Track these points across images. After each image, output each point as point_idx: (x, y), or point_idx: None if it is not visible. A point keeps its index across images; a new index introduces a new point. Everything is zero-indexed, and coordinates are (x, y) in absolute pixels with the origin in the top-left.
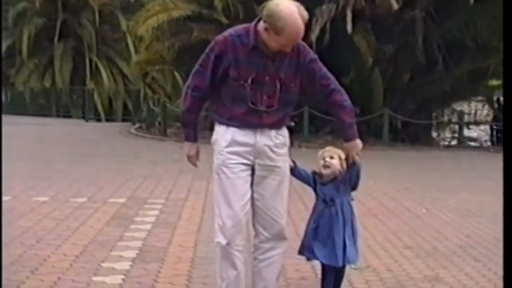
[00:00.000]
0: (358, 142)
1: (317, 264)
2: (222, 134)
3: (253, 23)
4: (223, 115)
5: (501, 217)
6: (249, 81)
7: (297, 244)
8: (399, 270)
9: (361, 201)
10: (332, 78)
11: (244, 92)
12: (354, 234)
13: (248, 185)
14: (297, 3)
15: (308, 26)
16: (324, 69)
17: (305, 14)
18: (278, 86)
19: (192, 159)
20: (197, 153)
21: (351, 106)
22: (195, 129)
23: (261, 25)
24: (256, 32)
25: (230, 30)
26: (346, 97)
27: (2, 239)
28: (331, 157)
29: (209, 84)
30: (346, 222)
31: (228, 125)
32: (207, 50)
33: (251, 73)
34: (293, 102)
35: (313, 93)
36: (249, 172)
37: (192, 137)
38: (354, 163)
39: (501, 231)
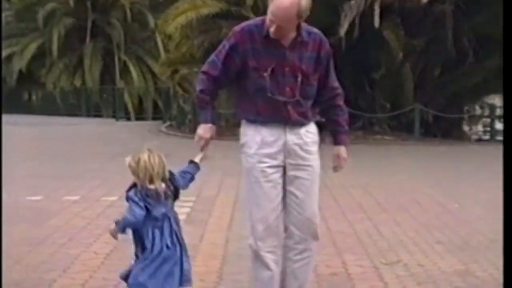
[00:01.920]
0: (345, 150)
1: (348, 259)
2: (252, 136)
3: None
4: (249, 110)
5: None
6: (269, 71)
7: (327, 240)
8: (430, 264)
9: (392, 196)
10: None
11: (264, 82)
12: None
13: (279, 187)
14: None
15: (335, 19)
16: (333, 71)
17: (304, 4)
18: (300, 77)
19: (203, 142)
20: (211, 137)
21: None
22: (211, 111)
23: None
24: None
25: (249, 21)
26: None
27: (2, 239)
28: None
29: (220, 73)
30: None
31: (255, 123)
32: (224, 40)
33: (270, 63)
34: (313, 96)
35: (321, 90)
36: (280, 174)
37: (208, 119)
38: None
39: None
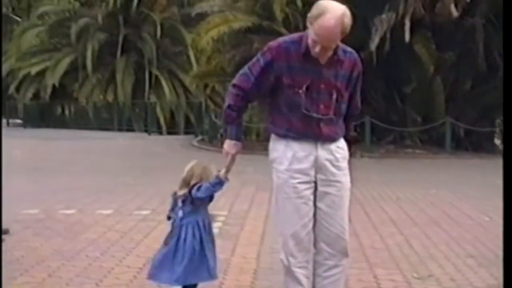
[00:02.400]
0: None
1: (379, 274)
2: (283, 152)
3: (307, 31)
4: (281, 125)
5: None
6: (304, 88)
7: (359, 254)
8: (462, 279)
9: (423, 210)
10: (360, 104)
11: (299, 99)
12: None
13: (310, 203)
14: (345, 9)
15: (366, 34)
16: (359, 90)
17: (347, 21)
18: (335, 95)
19: (229, 158)
20: (237, 153)
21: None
22: (237, 128)
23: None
24: (307, 38)
25: (285, 37)
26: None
27: (2, 240)
28: None
29: (252, 87)
30: None
31: (287, 138)
32: (258, 54)
33: (306, 80)
34: (344, 113)
35: (347, 108)
36: (311, 190)
37: (233, 135)
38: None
39: None
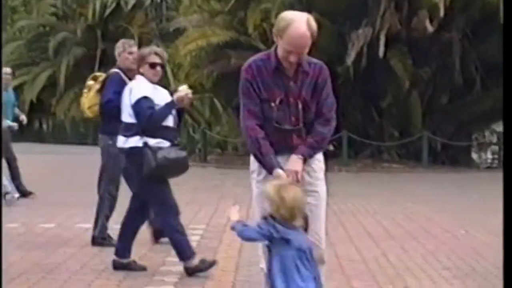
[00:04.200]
0: (296, 159)
1: (356, 285)
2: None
3: (273, 47)
4: None
5: None
6: (277, 101)
7: (336, 266)
8: None
9: (400, 223)
10: (331, 106)
11: (271, 113)
12: None
13: None
14: (309, 15)
15: (342, 49)
16: (331, 96)
17: (314, 24)
18: (300, 106)
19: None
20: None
21: (325, 135)
22: (274, 156)
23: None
24: (276, 54)
25: (253, 57)
26: (327, 129)
27: (2, 242)
28: None
29: (260, 112)
30: None
31: None
32: (242, 83)
33: (278, 93)
34: (313, 122)
35: (316, 115)
36: None
37: (275, 164)
38: None
39: None
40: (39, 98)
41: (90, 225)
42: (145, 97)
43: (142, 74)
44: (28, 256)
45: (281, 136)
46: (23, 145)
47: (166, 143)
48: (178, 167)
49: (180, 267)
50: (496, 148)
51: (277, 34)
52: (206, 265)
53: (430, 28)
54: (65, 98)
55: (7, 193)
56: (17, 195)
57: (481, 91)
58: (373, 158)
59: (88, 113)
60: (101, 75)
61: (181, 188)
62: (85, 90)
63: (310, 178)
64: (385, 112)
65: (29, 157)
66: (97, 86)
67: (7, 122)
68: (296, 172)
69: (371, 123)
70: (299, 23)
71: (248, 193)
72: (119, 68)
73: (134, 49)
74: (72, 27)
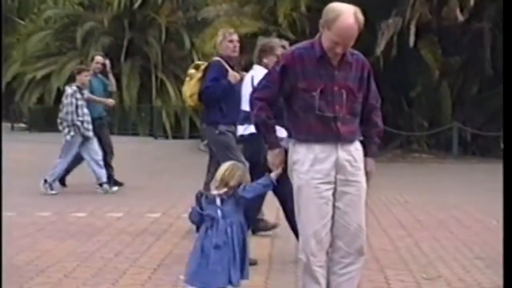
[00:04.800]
0: (373, 161)
1: (389, 274)
2: (305, 154)
3: (317, 36)
4: (301, 130)
5: None
6: (318, 91)
7: (369, 256)
8: (471, 280)
9: (431, 213)
10: (378, 97)
11: (313, 101)
12: None
13: (330, 203)
14: (356, 8)
15: (372, 38)
16: (375, 86)
17: (361, 17)
18: (345, 95)
19: (280, 169)
20: (283, 159)
21: (382, 128)
22: (275, 135)
23: (321, 30)
24: (320, 43)
25: (297, 45)
26: (380, 118)
27: (2, 240)
28: None
29: (275, 96)
30: None
31: (308, 141)
32: (276, 66)
33: (320, 83)
34: (359, 113)
35: (363, 107)
36: (331, 191)
37: (274, 143)
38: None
39: None
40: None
41: (121, 214)
42: None
43: (264, 63)
44: (62, 244)
45: (325, 124)
46: (50, 135)
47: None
48: None
49: None
50: None
51: (324, 25)
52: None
53: (460, 18)
54: None
55: (102, 183)
56: (115, 188)
57: None
58: (402, 149)
59: (190, 101)
60: (203, 64)
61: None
62: (187, 79)
63: (352, 168)
64: (414, 102)
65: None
66: (199, 74)
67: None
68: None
69: (401, 113)
70: (348, 15)
71: None
72: (220, 56)
73: (235, 37)
74: (99, 17)
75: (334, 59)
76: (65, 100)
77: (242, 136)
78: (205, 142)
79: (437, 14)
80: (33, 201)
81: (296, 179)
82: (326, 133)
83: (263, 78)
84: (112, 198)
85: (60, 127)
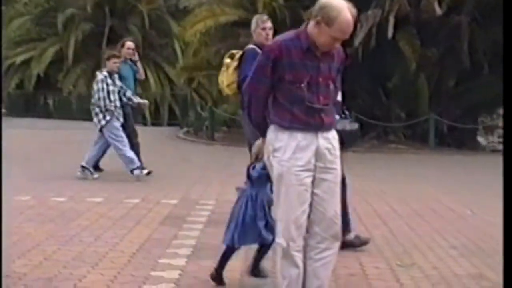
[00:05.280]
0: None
1: (364, 261)
2: (287, 141)
3: (303, 27)
4: (285, 118)
5: None
6: (305, 82)
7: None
8: (444, 267)
9: (407, 203)
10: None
11: (301, 93)
12: None
13: (309, 190)
14: (347, 2)
15: (353, 29)
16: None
17: (354, 10)
18: (331, 86)
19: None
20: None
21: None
22: (266, 127)
23: (311, 23)
24: (307, 34)
25: (281, 36)
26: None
27: (2, 239)
28: None
29: (268, 90)
30: None
31: (291, 129)
32: (262, 58)
33: (306, 75)
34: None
35: None
36: (311, 178)
37: (263, 134)
38: None
39: None
40: (46, 73)
41: (100, 199)
42: None
43: None
44: (42, 228)
45: (310, 114)
46: (30, 120)
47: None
48: (354, 138)
49: (192, 241)
50: (501, 131)
51: (321, 21)
52: (361, 241)
53: (439, 11)
54: (72, 73)
55: (134, 168)
56: (145, 171)
57: (489, 75)
58: (379, 139)
59: (227, 91)
60: (238, 52)
61: (189, 165)
62: (223, 68)
63: (331, 156)
64: (392, 93)
65: (37, 132)
66: (235, 63)
67: (136, 98)
68: None
69: (379, 104)
70: (346, 11)
71: None
72: (255, 44)
73: (268, 24)
74: (80, 3)
75: (318, 51)
76: (95, 86)
77: None
78: (184, 130)
79: (416, 6)
80: (13, 185)
81: (277, 166)
82: (310, 122)
83: (255, 72)
84: (92, 184)
85: (93, 113)
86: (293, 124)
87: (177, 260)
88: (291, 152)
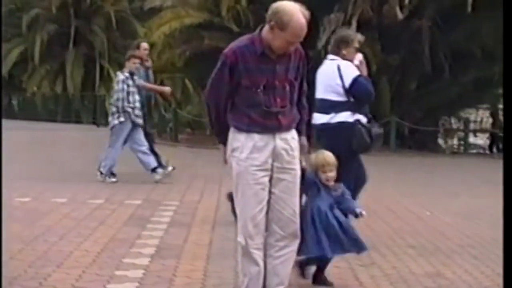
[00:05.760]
0: (305, 139)
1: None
2: (244, 142)
3: (257, 32)
4: (242, 121)
5: (500, 220)
6: (261, 87)
7: None
8: (403, 267)
9: (366, 204)
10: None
11: (258, 98)
12: None
13: (267, 189)
14: (299, 5)
15: (314, 33)
16: (306, 72)
17: (306, 13)
18: (288, 88)
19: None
20: None
21: (307, 107)
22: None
23: (266, 28)
24: (261, 39)
25: (236, 42)
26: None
27: (2, 238)
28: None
29: (228, 96)
30: None
31: (248, 131)
32: (219, 65)
33: (262, 79)
34: (296, 100)
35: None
36: (268, 178)
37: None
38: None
39: (499, 232)
40: (10, 74)
41: (64, 199)
42: (360, 75)
43: (342, 54)
44: (6, 228)
45: (267, 117)
46: None
47: (364, 119)
48: (380, 141)
49: (155, 241)
50: (462, 134)
51: (275, 26)
52: None
53: (400, 15)
54: (37, 74)
55: (155, 168)
56: (170, 168)
57: (449, 78)
58: None
59: None
60: None
61: None
62: None
63: (288, 156)
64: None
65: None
66: None
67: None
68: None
69: None
70: (299, 14)
71: (219, 172)
72: None
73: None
74: (45, 3)
75: (274, 54)
76: (116, 86)
77: (326, 124)
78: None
79: (378, 11)
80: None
81: (235, 165)
82: (267, 125)
83: (214, 79)
84: (55, 184)
85: (109, 112)
86: (250, 127)
87: (140, 259)
88: (248, 152)
